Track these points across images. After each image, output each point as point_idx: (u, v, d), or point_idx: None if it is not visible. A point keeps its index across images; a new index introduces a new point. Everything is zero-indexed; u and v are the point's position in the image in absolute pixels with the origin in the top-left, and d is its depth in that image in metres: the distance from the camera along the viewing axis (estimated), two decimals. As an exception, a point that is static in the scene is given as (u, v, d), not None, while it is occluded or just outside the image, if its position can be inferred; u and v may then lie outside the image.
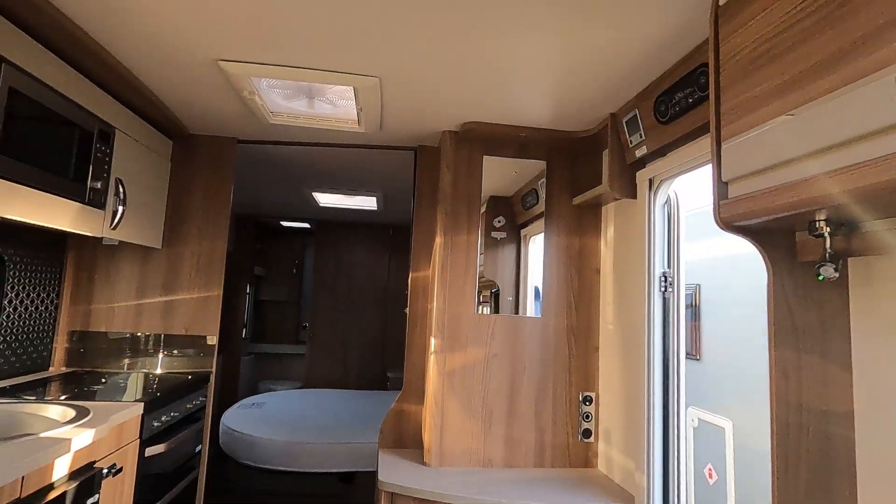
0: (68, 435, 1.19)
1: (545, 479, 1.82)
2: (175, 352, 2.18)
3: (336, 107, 1.92)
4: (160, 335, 2.18)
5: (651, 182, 1.70)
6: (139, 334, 2.17)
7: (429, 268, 2.19)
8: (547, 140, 2.06)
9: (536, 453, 1.95)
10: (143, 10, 1.28)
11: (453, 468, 1.89)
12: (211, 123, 2.15)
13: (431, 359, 1.96)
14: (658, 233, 1.66)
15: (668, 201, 1.68)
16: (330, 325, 4.67)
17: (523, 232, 2.28)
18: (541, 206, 2.14)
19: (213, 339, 2.19)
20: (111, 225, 1.77)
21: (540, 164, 2.11)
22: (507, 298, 2.19)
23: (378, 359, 4.67)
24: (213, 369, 2.19)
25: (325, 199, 3.62)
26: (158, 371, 2.14)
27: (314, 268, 4.76)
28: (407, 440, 2.11)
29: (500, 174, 2.20)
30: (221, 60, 1.53)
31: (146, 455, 1.59)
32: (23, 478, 1.05)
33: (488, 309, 2.03)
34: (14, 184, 1.31)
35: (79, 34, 1.37)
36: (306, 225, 5.01)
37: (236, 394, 4.44)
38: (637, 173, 1.76)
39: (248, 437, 2.73)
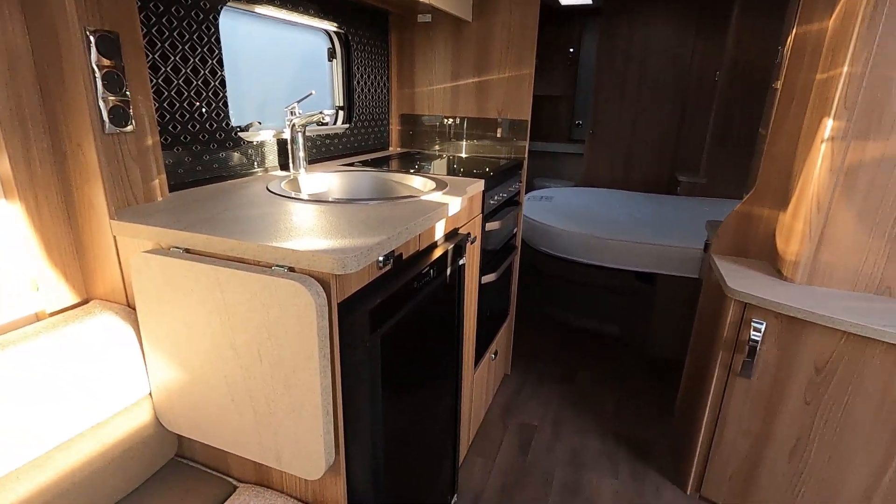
0: (443, 200, 1.22)
1: None
2: (483, 135, 2.15)
3: None
4: (467, 118, 2.16)
5: None
6: (454, 117, 2.19)
7: (830, 16, 1.48)
8: None
9: (976, 289, 1.36)
10: None
11: (828, 289, 1.49)
12: None
13: (822, 148, 1.42)
14: None
15: None
16: (613, 123, 4.21)
17: None
18: None
19: (525, 123, 2.07)
20: (435, -11, 1.61)
21: None
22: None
23: (666, 160, 4.12)
24: (526, 155, 2.11)
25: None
26: (469, 154, 2.17)
27: (597, 54, 4.15)
28: (750, 249, 1.75)
29: None
30: None
31: (486, 229, 1.65)
32: (419, 235, 1.12)
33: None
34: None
35: None
36: (589, 1, 4.26)
37: (515, 188, 4.64)
38: None
39: (545, 227, 2.78)
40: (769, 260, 1.70)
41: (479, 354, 1.83)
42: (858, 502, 1.41)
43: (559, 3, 4.43)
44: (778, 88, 1.64)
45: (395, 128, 2.28)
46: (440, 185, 1.39)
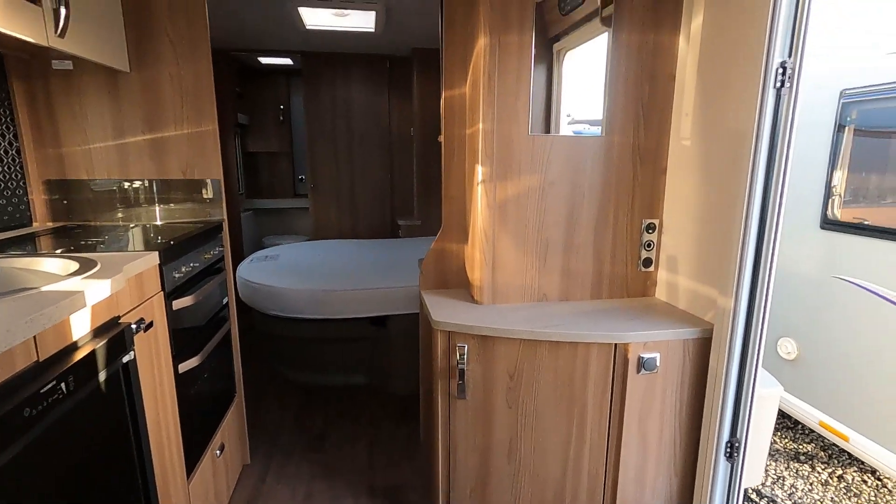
0: (78, 287, 0.95)
1: (608, 310, 1.71)
2: (176, 199, 1.88)
3: None
4: (155, 181, 1.86)
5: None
6: (129, 181, 1.84)
7: (465, 84, 1.81)
8: None
9: (593, 285, 1.82)
10: None
11: (507, 305, 1.77)
12: None
13: (479, 189, 1.69)
14: (784, 6, 1.27)
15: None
16: (332, 175, 4.33)
17: (556, 47, 1.85)
18: (587, 7, 1.72)
19: (218, 183, 1.89)
20: (56, 31, 1.32)
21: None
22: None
23: (387, 207, 4.44)
24: (225, 216, 1.92)
25: (313, 18, 3.00)
26: (160, 222, 1.87)
27: (306, 112, 4.23)
28: (450, 280, 1.96)
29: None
30: None
31: (174, 308, 1.40)
32: (35, 338, 0.83)
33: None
34: None
35: None
36: (289, 61, 4.35)
37: (242, 250, 4.29)
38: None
39: (270, 289, 2.59)
40: (465, 287, 1.94)
41: (193, 458, 1.51)
42: (560, 477, 1.67)
43: (259, 62, 4.40)
44: (442, 141, 1.91)
45: (38, 198, 1.78)
46: (85, 267, 1.09)
